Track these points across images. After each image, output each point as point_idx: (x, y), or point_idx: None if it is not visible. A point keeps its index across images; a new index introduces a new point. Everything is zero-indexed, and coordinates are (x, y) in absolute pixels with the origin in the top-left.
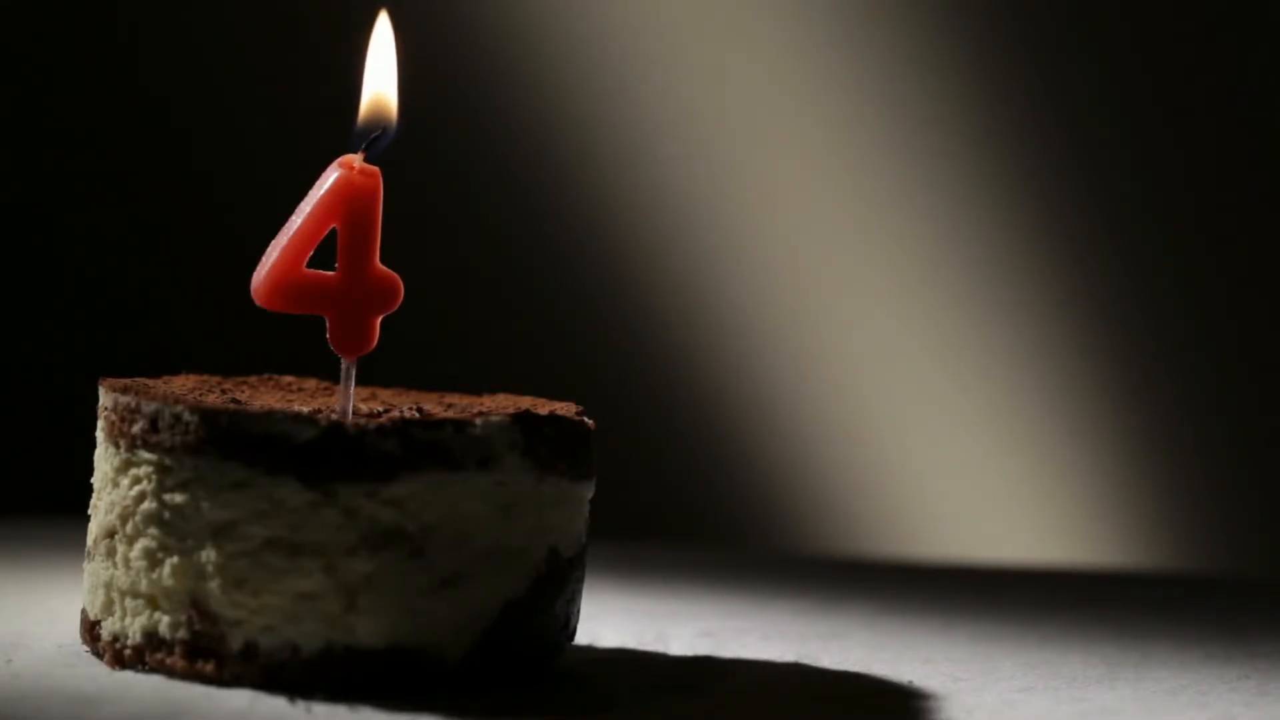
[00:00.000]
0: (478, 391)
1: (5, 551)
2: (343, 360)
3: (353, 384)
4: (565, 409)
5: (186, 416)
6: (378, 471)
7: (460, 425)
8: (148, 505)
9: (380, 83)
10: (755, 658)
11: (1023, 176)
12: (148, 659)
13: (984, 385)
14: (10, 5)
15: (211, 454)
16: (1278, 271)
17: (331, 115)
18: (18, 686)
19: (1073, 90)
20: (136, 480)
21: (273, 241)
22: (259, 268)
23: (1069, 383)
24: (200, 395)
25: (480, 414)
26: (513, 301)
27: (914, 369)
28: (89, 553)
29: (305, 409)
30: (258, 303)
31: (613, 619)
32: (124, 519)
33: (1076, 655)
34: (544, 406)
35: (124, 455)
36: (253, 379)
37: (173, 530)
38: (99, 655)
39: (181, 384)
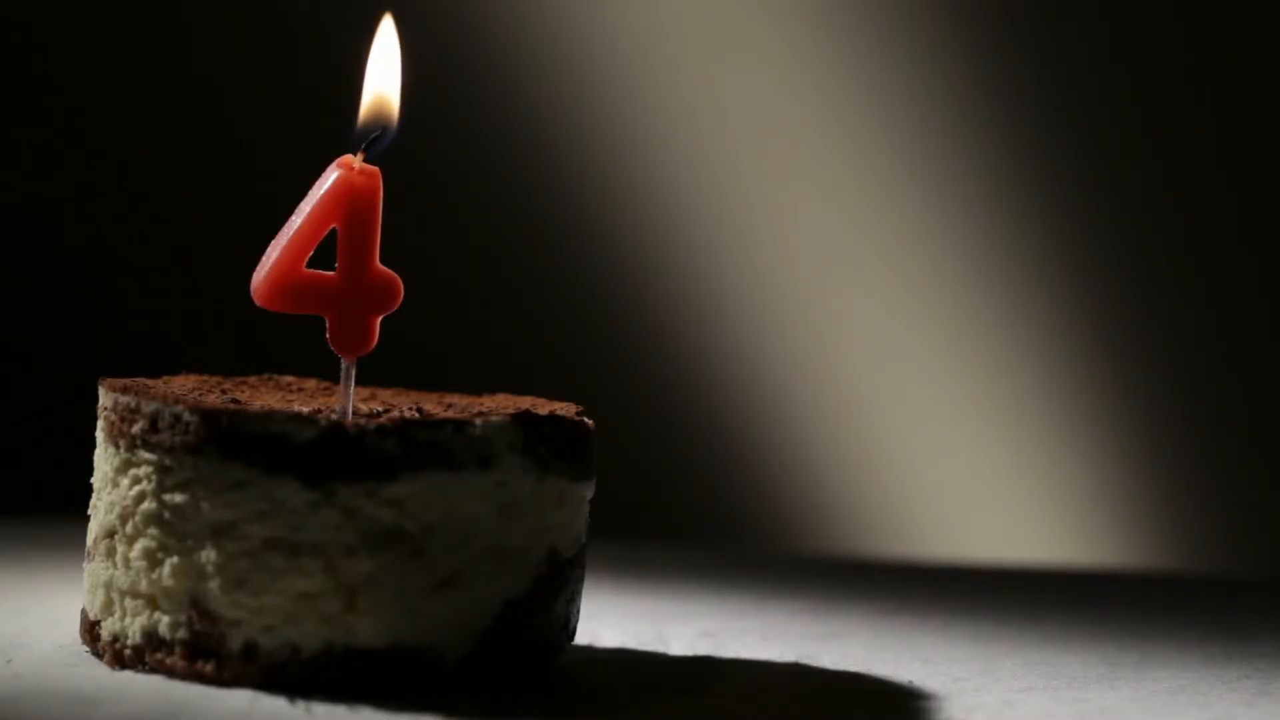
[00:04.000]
0: (478, 391)
1: (5, 551)
2: (342, 360)
3: (353, 384)
4: (565, 409)
5: (186, 416)
6: (378, 471)
7: (460, 425)
8: (147, 505)
9: (381, 83)
10: (755, 658)
11: (1023, 178)
12: (148, 659)
13: (984, 385)
14: (9, 5)
15: (211, 454)
16: (1279, 270)
17: (332, 115)
18: (18, 686)
19: (1076, 95)
20: (136, 480)
21: (272, 242)
22: (259, 268)
23: (1069, 383)
24: (200, 395)
25: (480, 414)
26: (512, 302)
27: (913, 369)
28: (89, 553)
29: (305, 409)
30: (257, 303)
31: (612, 619)
32: (124, 519)
33: (1076, 655)
34: (544, 406)
35: (124, 455)
36: (252, 379)
37: (173, 530)
38: (99, 655)
39: (181, 384)
